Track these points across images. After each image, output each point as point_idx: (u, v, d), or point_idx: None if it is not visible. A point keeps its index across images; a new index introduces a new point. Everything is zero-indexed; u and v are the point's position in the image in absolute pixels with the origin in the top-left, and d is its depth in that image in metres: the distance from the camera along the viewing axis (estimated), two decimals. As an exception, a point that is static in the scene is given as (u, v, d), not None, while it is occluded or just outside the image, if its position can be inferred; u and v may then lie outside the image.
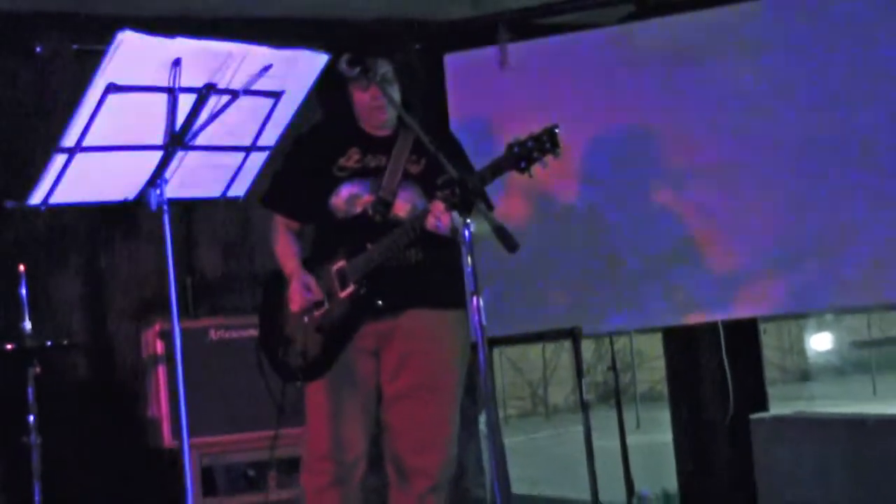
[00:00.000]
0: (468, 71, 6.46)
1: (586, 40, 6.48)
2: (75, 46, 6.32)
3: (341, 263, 4.52)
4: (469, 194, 4.12)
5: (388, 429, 4.63)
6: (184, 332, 5.67)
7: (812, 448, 5.72)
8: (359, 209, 4.56)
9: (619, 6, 6.65)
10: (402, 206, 4.55)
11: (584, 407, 5.85)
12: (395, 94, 4.55)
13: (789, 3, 6.13)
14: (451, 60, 6.49)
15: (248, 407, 5.82)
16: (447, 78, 6.46)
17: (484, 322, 4.03)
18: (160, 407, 5.94)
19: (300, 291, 4.55)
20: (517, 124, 5.85)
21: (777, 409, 6.78)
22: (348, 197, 4.57)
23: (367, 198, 4.56)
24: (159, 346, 5.94)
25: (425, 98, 4.94)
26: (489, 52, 6.43)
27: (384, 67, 4.50)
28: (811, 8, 6.05)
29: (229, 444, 6.03)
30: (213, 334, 6.01)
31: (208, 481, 6.08)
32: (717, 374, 6.54)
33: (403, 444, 4.59)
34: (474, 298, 4.06)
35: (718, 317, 6.31)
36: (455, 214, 4.18)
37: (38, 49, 6.32)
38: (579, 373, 5.97)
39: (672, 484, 6.96)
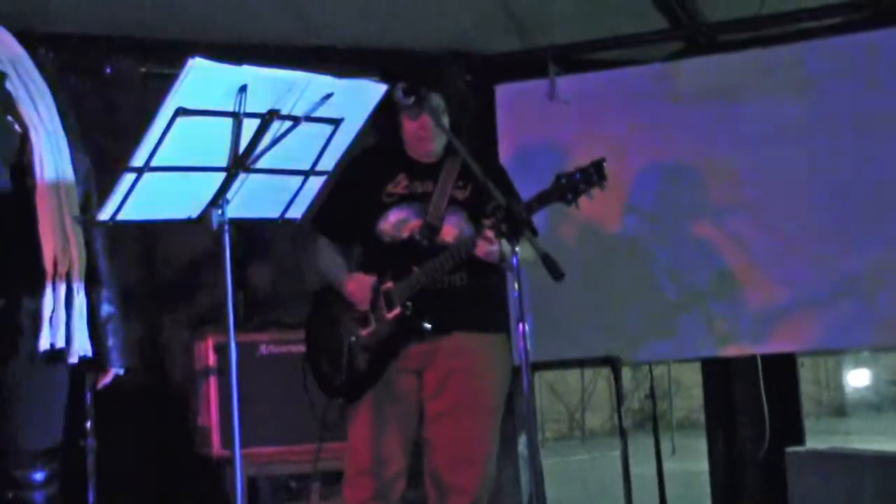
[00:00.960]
0: (518, 101, 6.49)
1: (633, 76, 6.51)
2: (142, 69, 6.41)
3: (388, 285, 4.57)
4: (517, 222, 4.21)
5: (429, 446, 4.67)
6: (233, 344, 5.90)
7: (845, 483, 5.74)
8: (406, 234, 4.62)
9: (668, 43, 6.72)
10: (449, 231, 4.61)
11: (623, 433, 5.89)
12: (445, 124, 4.64)
13: (831, 46, 6.14)
14: (501, 91, 6.52)
15: (293, 420, 5.83)
16: (497, 108, 6.49)
17: (528, 346, 4.14)
18: (210, 417, 5.98)
19: (362, 289, 4.61)
20: (564, 154, 6.04)
21: (813, 443, 6.79)
22: (396, 222, 4.64)
23: (414, 223, 4.62)
24: (212, 359, 5.99)
25: (476, 127, 4.98)
26: (539, 84, 6.46)
27: (436, 99, 4.58)
28: (852, 52, 6.05)
29: (274, 455, 6.05)
30: (263, 349, 6.07)
31: (252, 491, 6.14)
32: (754, 406, 6.57)
33: (443, 461, 4.64)
34: (520, 325, 4.16)
35: (756, 350, 6.32)
36: (503, 242, 4.28)
37: (107, 70, 6.43)
38: (619, 400, 6.01)
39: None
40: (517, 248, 4.18)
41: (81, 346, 3.72)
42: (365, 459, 4.64)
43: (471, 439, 4.65)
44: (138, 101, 6.24)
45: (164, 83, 3.31)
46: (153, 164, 3.24)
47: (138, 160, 3.22)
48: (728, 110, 6.24)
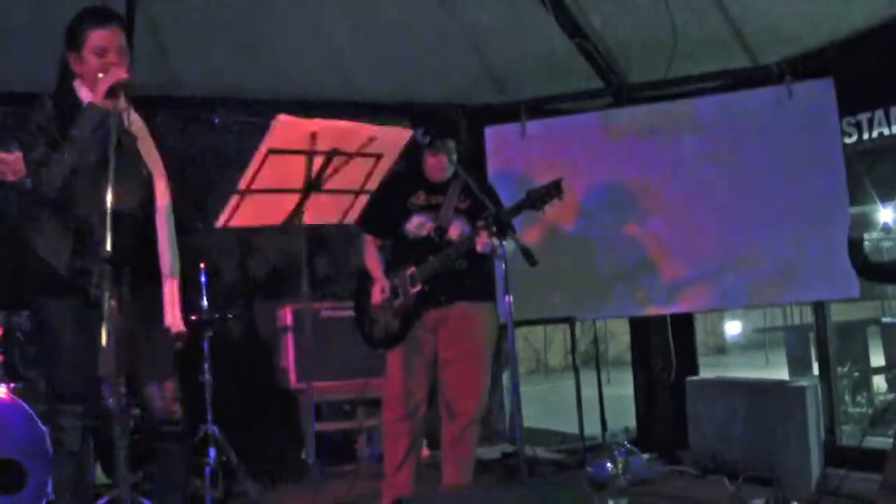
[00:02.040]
0: (500, 138, 6.38)
1: (580, 120, 6.42)
2: (241, 119, 6.35)
3: (412, 269, 4.57)
4: (503, 225, 4.20)
5: (442, 382, 4.66)
6: (304, 310, 5.85)
7: (724, 402, 5.72)
8: (424, 233, 4.61)
9: (603, 98, 6.59)
10: (454, 232, 4.60)
11: (576, 370, 5.86)
12: (454, 156, 4.62)
13: (714, 101, 6.10)
14: (489, 132, 6.43)
15: (345, 363, 5.81)
16: (486, 143, 6.39)
17: (512, 310, 4.13)
18: (288, 360, 5.96)
19: (380, 292, 4.63)
20: (534, 176, 5.96)
21: (703, 374, 6.74)
22: (417, 224, 4.63)
23: (430, 225, 4.61)
24: (289, 319, 5.97)
25: (471, 157, 4.94)
26: (514, 126, 6.36)
27: (449, 142, 4.57)
28: (728, 105, 6.05)
29: (333, 387, 5.97)
30: (324, 313, 6.01)
31: (317, 412, 6.09)
32: (664, 349, 6.50)
33: (451, 393, 4.63)
34: (506, 296, 4.15)
35: (666, 311, 6.27)
36: (494, 238, 4.26)
37: (216, 120, 6.40)
38: (573, 347, 5.98)
39: (632, 423, 6.95)
40: (504, 243, 4.18)
41: (177, 324, 3.58)
42: (397, 391, 4.62)
43: (471, 378, 4.63)
44: (236, 142, 6.20)
45: (256, 129, 3.28)
46: (252, 188, 3.20)
47: (242, 185, 3.18)
48: (646, 144, 6.16)
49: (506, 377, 6.88)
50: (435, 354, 4.65)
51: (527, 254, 4.04)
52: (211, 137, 6.38)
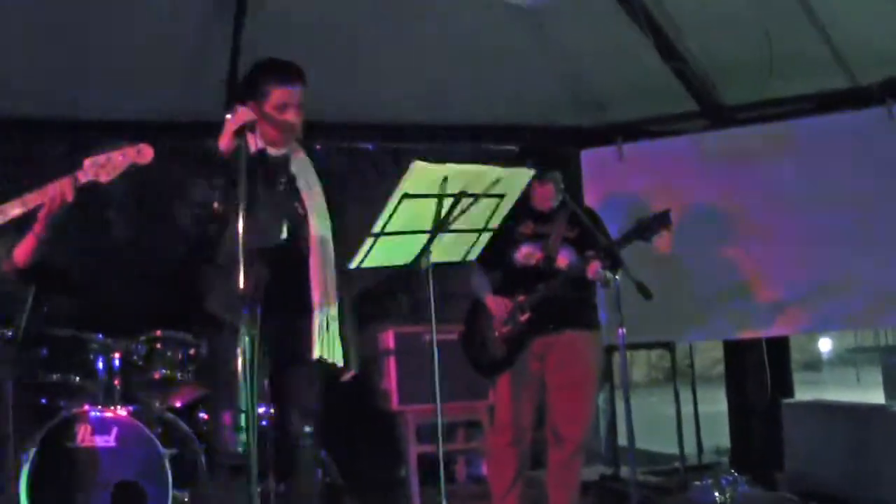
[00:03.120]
0: (597, 162, 6.50)
1: (677, 143, 6.52)
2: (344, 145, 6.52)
3: (521, 297, 4.68)
4: (616, 259, 4.31)
5: (549, 408, 4.75)
6: (406, 334, 5.99)
7: (824, 427, 5.72)
8: (533, 262, 4.72)
9: (699, 120, 6.66)
10: (562, 261, 4.69)
11: (676, 394, 5.93)
12: (562, 186, 4.73)
13: (812, 124, 6.15)
14: (585, 154, 6.54)
15: (447, 386, 5.87)
16: (583, 166, 6.50)
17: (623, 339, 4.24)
18: (390, 383, 6.05)
19: (498, 305, 4.73)
20: (631, 199, 6.08)
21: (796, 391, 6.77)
22: (526, 254, 4.74)
23: (538, 255, 4.72)
24: (392, 343, 6.06)
25: (568, 180, 5.03)
26: (609, 149, 6.47)
27: (556, 172, 4.69)
28: (827, 129, 6.08)
29: (432, 410, 6.05)
30: (425, 336, 5.98)
31: (416, 434, 6.16)
32: (759, 369, 6.55)
33: (559, 419, 4.72)
34: (621, 328, 4.27)
35: (761, 334, 6.34)
36: (606, 271, 4.38)
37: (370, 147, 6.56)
38: (674, 370, 6.06)
39: (721, 442, 6.97)
40: (617, 277, 4.29)
41: (337, 356, 3.78)
42: (506, 416, 4.74)
43: (578, 404, 4.73)
44: (339, 167, 6.30)
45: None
46: (385, 230, 3.36)
47: (376, 228, 3.33)
48: (742, 167, 6.22)
49: (601, 398, 6.95)
50: (542, 381, 4.75)
51: (642, 289, 4.15)
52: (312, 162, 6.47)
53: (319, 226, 3.79)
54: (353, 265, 3.44)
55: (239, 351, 3.36)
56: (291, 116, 3.72)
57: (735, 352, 6.92)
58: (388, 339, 6.08)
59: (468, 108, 6.64)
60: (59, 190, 3.71)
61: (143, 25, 5.69)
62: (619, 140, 6.46)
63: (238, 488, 3.73)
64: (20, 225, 3.84)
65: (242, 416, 3.65)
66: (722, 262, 6.21)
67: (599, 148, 6.54)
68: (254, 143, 3.69)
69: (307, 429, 3.86)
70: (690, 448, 6.20)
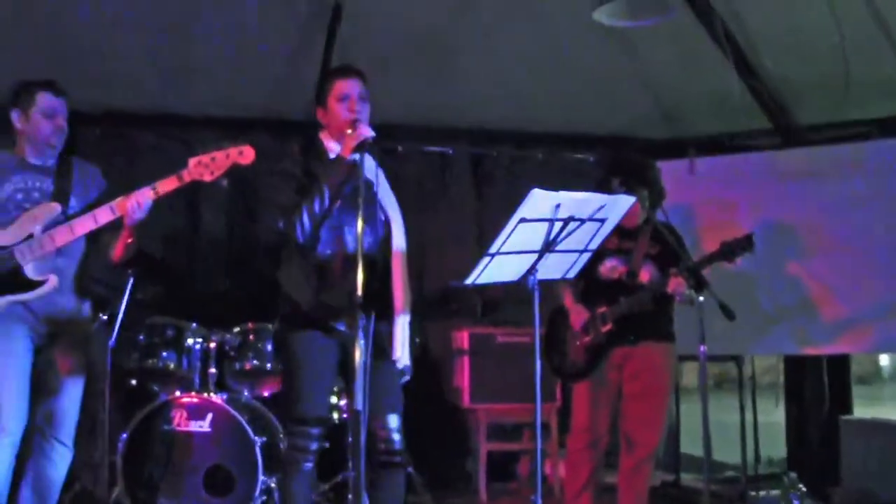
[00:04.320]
0: (668, 174, 6.54)
1: (749, 159, 6.75)
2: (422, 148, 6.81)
3: (603, 309, 4.94)
4: (701, 280, 4.60)
5: (623, 415, 5.00)
6: (479, 335, 6.30)
7: (879, 443, 5.97)
8: (616, 275, 4.97)
9: (771, 138, 6.91)
10: (644, 276, 4.92)
11: (742, 406, 6.19)
12: (647, 203, 5.01)
13: (881, 145, 6.38)
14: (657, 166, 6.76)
15: (515, 387, 6.16)
16: (655, 179, 6.74)
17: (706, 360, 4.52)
18: (463, 381, 6.37)
19: (580, 316, 5.02)
20: (702, 212, 6.34)
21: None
22: (610, 267, 4.98)
23: (621, 269, 4.96)
24: (466, 343, 6.36)
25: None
26: (682, 163, 6.73)
27: (643, 189, 4.95)
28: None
29: (503, 409, 6.39)
30: (499, 338, 6.41)
31: (486, 431, 6.50)
32: (818, 384, 6.79)
33: (632, 426, 4.97)
34: (702, 346, 4.56)
35: (824, 351, 6.56)
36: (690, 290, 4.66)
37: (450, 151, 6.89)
38: (740, 381, 6.31)
39: (774, 452, 7.20)
40: (701, 298, 4.58)
41: (406, 360, 4.04)
42: (584, 421, 5.01)
43: (652, 413, 4.99)
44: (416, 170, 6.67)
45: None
46: (501, 251, 3.66)
47: (493, 249, 3.64)
48: (812, 186, 6.46)
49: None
50: (619, 389, 5.02)
51: (725, 309, 4.45)
52: (392, 164, 6.78)
53: (399, 233, 4.10)
54: (468, 281, 3.73)
55: (357, 352, 3.63)
56: (354, 106, 4.02)
57: (795, 366, 7.16)
58: (463, 339, 6.39)
59: (545, 117, 6.93)
60: (135, 202, 4.10)
61: (241, 26, 6.03)
62: (692, 153, 6.72)
63: (299, 481, 4.04)
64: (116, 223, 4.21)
65: (315, 412, 3.97)
66: (788, 279, 6.45)
67: (672, 160, 6.73)
68: (331, 146, 4.04)
69: (395, 423, 4.12)
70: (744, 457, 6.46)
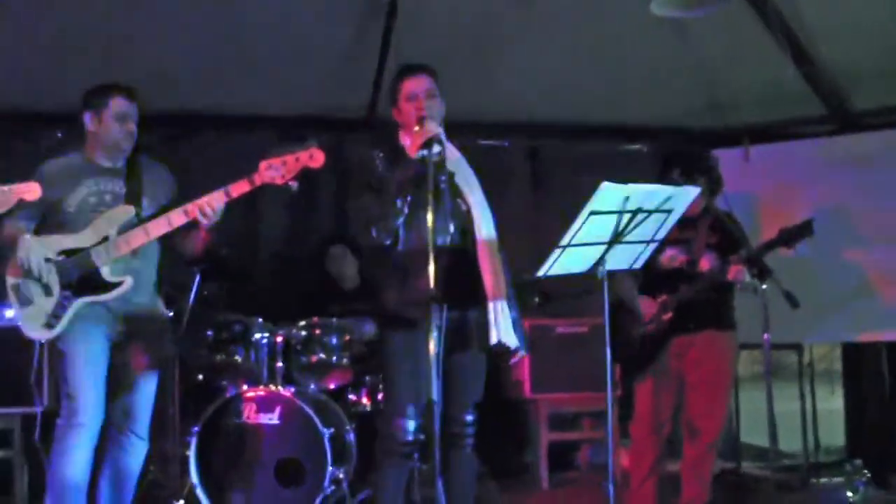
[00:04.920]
0: (723, 163, 6.63)
1: (804, 146, 6.86)
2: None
3: (664, 297, 5.07)
4: (764, 268, 4.72)
5: (686, 403, 5.13)
6: (538, 326, 6.43)
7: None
8: (676, 265, 5.07)
9: (827, 125, 6.99)
10: (704, 264, 5.03)
11: (802, 395, 6.28)
12: (705, 192, 5.11)
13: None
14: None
15: (574, 377, 6.36)
16: (710, 167, 6.84)
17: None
18: (522, 372, 6.52)
19: (648, 307, 5.13)
20: (758, 200, 6.43)
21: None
22: (670, 256, 5.07)
23: (682, 258, 5.07)
24: (528, 335, 6.51)
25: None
26: (736, 151, 6.84)
27: (701, 178, 5.06)
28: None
29: (562, 399, 6.56)
30: (559, 329, 6.58)
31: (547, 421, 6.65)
32: (877, 370, 6.86)
33: (695, 414, 5.10)
34: (766, 334, 4.67)
35: (882, 338, 6.65)
36: (752, 279, 4.77)
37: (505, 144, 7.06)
38: (800, 370, 6.40)
39: (831, 440, 7.25)
40: (764, 286, 4.69)
41: (512, 340, 4.15)
42: (647, 409, 5.15)
43: (714, 401, 5.11)
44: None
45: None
46: (572, 243, 3.82)
47: (564, 241, 3.79)
48: (869, 171, 6.54)
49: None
50: (680, 378, 5.14)
51: (789, 297, 4.56)
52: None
53: (484, 221, 4.22)
54: (539, 274, 3.88)
55: (431, 344, 3.79)
56: (422, 104, 4.18)
57: (853, 353, 7.24)
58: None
59: (601, 107, 7.03)
60: (208, 205, 4.29)
61: (297, 23, 6.18)
62: (746, 141, 6.81)
63: (395, 471, 4.23)
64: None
65: (411, 406, 4.15)
66: (845, 265, 6.53)
67: (726, 149, 6.85)
68: (407, 147, 4.18)
69: (470, 417, 4.30)
70: (799, 445, 6.57)
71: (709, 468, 5.19)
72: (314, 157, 4.28)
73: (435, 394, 3.77)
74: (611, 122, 7.21)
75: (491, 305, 4.11)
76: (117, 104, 4.52)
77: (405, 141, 4.23)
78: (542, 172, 7.32)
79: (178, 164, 6.10)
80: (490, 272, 4.13)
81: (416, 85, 4.25)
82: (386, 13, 6.16)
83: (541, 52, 6.50)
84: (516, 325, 4.22)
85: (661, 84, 6.86)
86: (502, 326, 4.11)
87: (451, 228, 4.14)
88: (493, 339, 4.10)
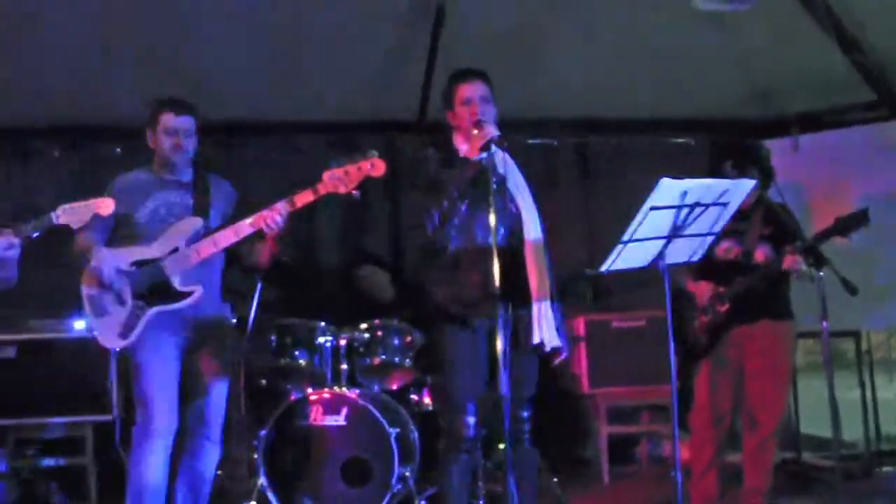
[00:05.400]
0: (773, 153, 6.86)
1: (854, 133, 6.91)
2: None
3: (720, 289, 5.16)
4: (820, 256, 4.81)
5: (746, 394, 5.21)
6: (595, 321, 6.56)
7: None
8: (731, 256, 5.17)
9: (876, 111, 7.02)
10: (760, 255, 5.12)
11: (862, 383, 6.34)
12: (758, 184, 5.20)
13: None
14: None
15: (632, 370, 6.51)
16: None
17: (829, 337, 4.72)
18: (581, 367, 6.65)
19: (703, 291, 5.22)
20: (808, 190, 6.50)
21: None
22: (725, 248, 5.17)
23: (737, 249, 5.16)
24: (582, 330, 6.64)
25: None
26: (785, 141, 6.93)
27: (753, 170, 5.14)
28: None
29: (620, 392, 6.69)
30: (615, 324, 6.68)
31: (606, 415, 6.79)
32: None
33: (755, 404, 5.19)
34: (824, 321, 4.76)
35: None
36: (808, 267, 4.87)
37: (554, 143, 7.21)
38: (859, 357, 6.47)
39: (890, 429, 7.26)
40: (821, 273, 4.78)
41: (555, 341, 4.34)
42: (706, 400, 5.24)
43: (773, 391, 5.21)
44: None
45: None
46: (633, 238, 3.94)
47: (625, 237, 3.92)
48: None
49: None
50: (740, 368, 5.23)
51: (846, 284, 4.65)
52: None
53: (532, 223, 4.38)
54: (602, 268, 4.01)
55: (499, 342, 3.95)
56: (476, 109, 4.34)
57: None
58: (579, 325, 6.67)
59: (647, 102, 7.15)
60: (274, 215, 4.48)
61: (346, 30, 6.38)
62: (795, 131, 6.91)
63: (458, 467, 4.38)
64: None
65: (471, 402, 4.31)
66: (897, 250, 6.53)
67: (775, 139, 6.95)
68: (462, 147, 4.36)
69: (526, 413, 4.45)
70: (858, 434, 6.66)
71: (770, 458, 5.27)
72: (375, 167, 4.45)
73: (504, 388, 3.91)
74: (658, 116, 7.33)
75: (536, 306, 4.29)
76: (165, 119, 4.72)
77: (459, 143, 4.39)
78: (591, 168, 7.46)
79: (231, 172, 6.36)
80: (536, 273, 4.31)
81: (471, 90, 4.41)
82: (434, 17, 6.31)
83: (586, 48, 6.65)
84: (559, 326, 4.38)
85: (707, 76, 6.95)
86: (544, 327, 4.28)
87: (502, 230, 4.27)
88: (536, 339, 4.28)
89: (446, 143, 4.47)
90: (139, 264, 4.54)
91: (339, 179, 4.46)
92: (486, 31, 6.44)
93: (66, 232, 4.32)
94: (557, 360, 4.49)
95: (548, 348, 4.35)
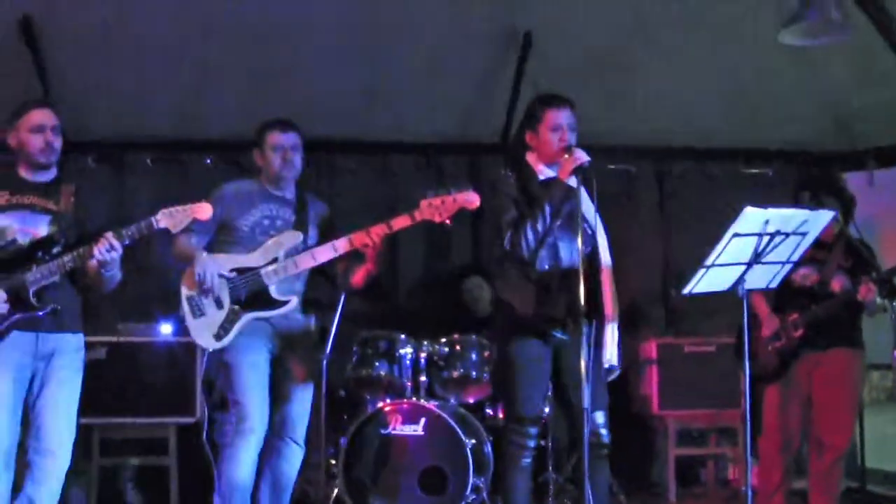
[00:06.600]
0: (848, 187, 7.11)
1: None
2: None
3: (795, 316, 5.39)
4: (894, 289, 5.03)
5: (814, 419, 5.39)
6: (667, 345, 6.81)
7: None
8: (808, 283, 5.37)
9: None
10: (836, 285, 5.31)
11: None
12: (838, 218, 5.38)
13: None
14: (837, 180, 7.14)
15: (702, 394, 6.77)
16: (833, 192, 7.12)
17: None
18: (651, 389, 6.90)
19: (770, 324, 5.46)
20: (883, 225, 6.68)
21: None
22: (803, 275, 5.35)
23: (814, 277, 5.36)
24: (654, 353, 6.89)
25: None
26: (862, 175, 7.13)
27: (831, 201, 5.33)
28: None
29: (689, 415, 6.93)
30: (686, 349, 6.92)
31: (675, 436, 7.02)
32: None
33: (823, 429, 5.37)
34: (894, 352, 4.97)
35: None
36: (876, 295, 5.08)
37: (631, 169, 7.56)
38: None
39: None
40: (895, 304, 5.00)
41: (615, 360, 4.61)
42: (774, 422, 5.44)
43: (841, 417, 5.41)
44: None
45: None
46: (715, 263, 4.23)
47: (709, 261, 4.21)
48: None
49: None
50: (808, 394, 5.43)
51: (913, 317, 4.87)
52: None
53: (605, 246, 4.67)
54: (685, 291, 4.30)
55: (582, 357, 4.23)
56: (565, 137, 4.60)
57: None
58: (651, 349, 6.94)
59: (726, 131, 7.40)
60: (371, 237, 4.79)
61: (434, 53, 6.76)
62: (872, 165, 7.12)
63: (521, 476, 4.63)
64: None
65: (535, 413, 4.60)
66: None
67: (850, 173, 7.16)
68: (540, 168, 4.66)
69: (602, 419, 4.68)
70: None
71: (836, 482, 5.44)
72: (470, 200, 4.74)
73: (586, 401, 4.20)
74: (736, 146, 7.57)
75: (609, 327, 4.57)
76: (272, 137, 5.08)
77: (537, 166, 4.68)
78: (669, 196, 7.72)
79: (319, 189, 6.72)
80: (609, 296, 4.60)
81: (561, 117, 4.67)
82: (521, 43, 6.62)
83: (669, 78, 6.92)
84: (619, 348, 4.66)
85: (785, 107, 7.18)
86: (610, 347, 4.57)
87: (582, 252, 4.50)
88: (606, 357, 4.57)
89: (519, 164, 4.75)
90: (239, 271, 4.88)
91: (436, 209, 4.75)
92: (572, 56, 6.74)
93: (153, 241, 4.61)
94: (611, 377, 4.75)
95: (606, 365, 4.63)
